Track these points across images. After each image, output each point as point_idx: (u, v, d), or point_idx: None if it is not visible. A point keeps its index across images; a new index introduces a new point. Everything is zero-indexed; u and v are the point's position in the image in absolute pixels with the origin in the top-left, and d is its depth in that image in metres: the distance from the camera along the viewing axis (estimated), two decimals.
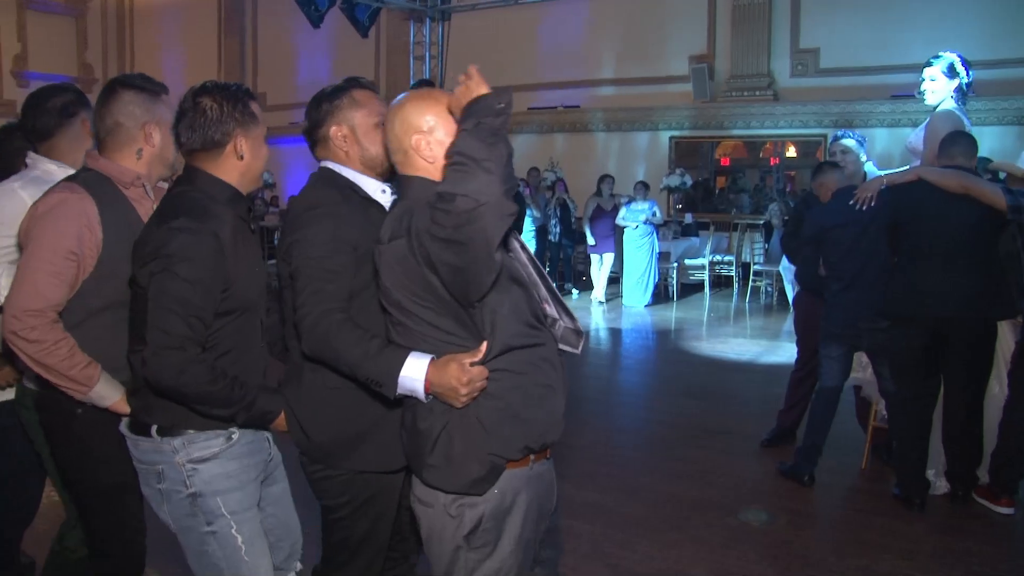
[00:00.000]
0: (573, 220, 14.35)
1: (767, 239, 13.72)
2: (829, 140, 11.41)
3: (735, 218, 15.21)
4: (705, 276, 14.20)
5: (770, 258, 13.36)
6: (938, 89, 5.41)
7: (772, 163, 15.77)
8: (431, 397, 2.22)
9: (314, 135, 2.66)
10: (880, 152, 12.38)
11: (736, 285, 14.40)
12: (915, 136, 5.60)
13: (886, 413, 5.32)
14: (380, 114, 2.60)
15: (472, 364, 2.16)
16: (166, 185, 2.81)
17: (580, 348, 2.48)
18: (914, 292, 4.78)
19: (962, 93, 5.38)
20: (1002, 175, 5.31)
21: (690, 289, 14.52)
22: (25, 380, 2.92)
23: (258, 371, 2.60)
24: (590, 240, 13.40)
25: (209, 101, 2.45)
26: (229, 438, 2.52)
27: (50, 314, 2.50)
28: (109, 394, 2.59)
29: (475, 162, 2.00)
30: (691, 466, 5.69)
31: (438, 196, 2.04)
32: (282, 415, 2.55)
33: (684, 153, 16.10)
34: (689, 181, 14.94)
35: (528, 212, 12.71)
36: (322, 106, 2.64)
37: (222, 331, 2.45)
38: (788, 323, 7.98)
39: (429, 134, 2.28)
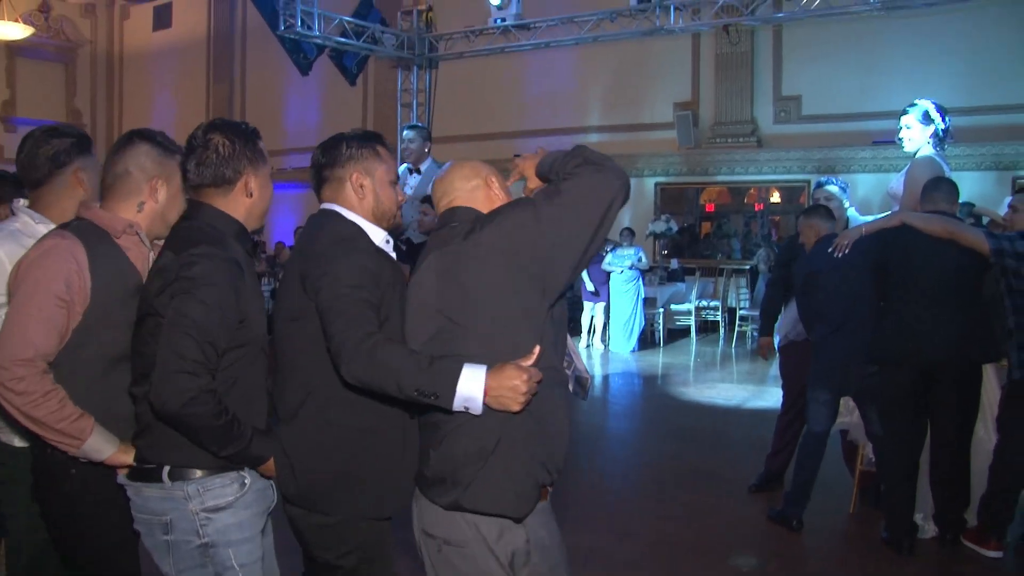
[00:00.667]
0: None
1: (753, 284, 13.80)
2: (812, 186, 11.55)
3: (721, 263, 15.30)
4: (691, 321, 14.24)
5: (755, 303, 13.43)
6: (914, 136, 5.50)
7: (757, 208, 15.92)
8: (485, 407, 2.18)
9: (328, 174, 2.61)
10: (862, 198, 12.51)
11: (722, 330, 14.44)
12: (896, 182, 5.68)
13: (873, 457, 5.33)
14: (396, 173, 2.67)
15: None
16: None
17: (586, 397, 2.56)
18: (901, 335, 4.82)
19: (939, 139, 5.46)
20: (985, 219, 5.38)
21: (676, 334, 14.55)
22: (12, 436, 2.81)
23: (260, 411, 2.54)
24: (589, 287, 13.39)
25: (220, 138, 2.46)
26: (243, 484, 2.45)
27: (40, 364, 2.39)
28: (103, 447, 2.46)
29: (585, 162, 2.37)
30: (681, 509, 5.68)
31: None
32: (272, 462, 2.46)
33: (669, 199, 16.24)
34: (675, 227, 15.05)
35: None
36: (345, 149, 2.60)
37: (233, 365, 2.40)
38: (774, 368, 8.00)
39: (489, 187, 2.58)
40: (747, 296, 14.19)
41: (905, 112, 5.52)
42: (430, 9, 13.11)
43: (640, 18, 11.07)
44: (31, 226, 2.83)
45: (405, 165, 7.71)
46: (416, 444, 2.49)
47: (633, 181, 16.40)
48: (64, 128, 3.02)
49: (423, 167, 7.52)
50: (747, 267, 14.55)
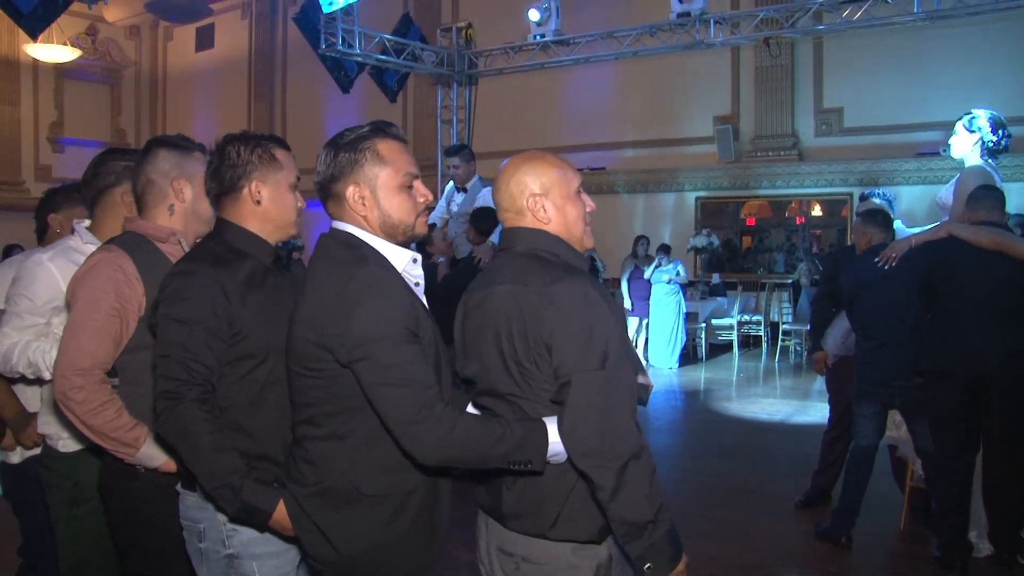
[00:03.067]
0: (601, 281, 14.37)
1: (795, 298, 13.65)
2: (855, 198, 11.42)
3: (762, 278, 15.18)
4: (734, 336, 14.13)
5: (798, 318, 13.29)
6: (959, 143, 5.44)
7: (798, 222, 15.77)
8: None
9: (327, 189, 2.31)
10: (906, 210, 12.33)
11: (765, 345, 14.31)
12: (945, 192, 5.60)
13: (923, 473, 5.24)
14: (408, 173, 2.30)
15: None
16: None
17: (645, 404, 2.49)
18: (950, 349, 4.73)
19: (988, 149, 5.38)
20: None
21: (718, 349, 14.44)
22: (56, 441, 2.93)
23: (275, 436, 2.39)
24: (627, 303, 13.36)
25: (230, 147, 2.45)
26: None
27: (97, 373, 2.50)
28: (156, 454, 2.55)
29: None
30: (729, 528, 5.61)
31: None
32: (284, 516, 2.24)
33: (710, 213, 16.14)
34: (716, 241, 14.95)
35: None
36: (339, 156, 2.28)
37: (236, 383, 2.33)
38: (819, 383, 7.92)
39: (544, 196, 2.30)
40: (789, 310, 14.05)
41: (960, 120, 5.47)
42: (470, 26, 13.19)
43: (680, 32, 11.04)
44: (81, 245, 2.97)
45: (451, 184, 7.76)
46: (447, 495, 2.36)
47: (673, 196, 16.55)
48: (126, 151, 3.13)
49: (469, 184, 7.55)
50: (789, 281, 14.41)
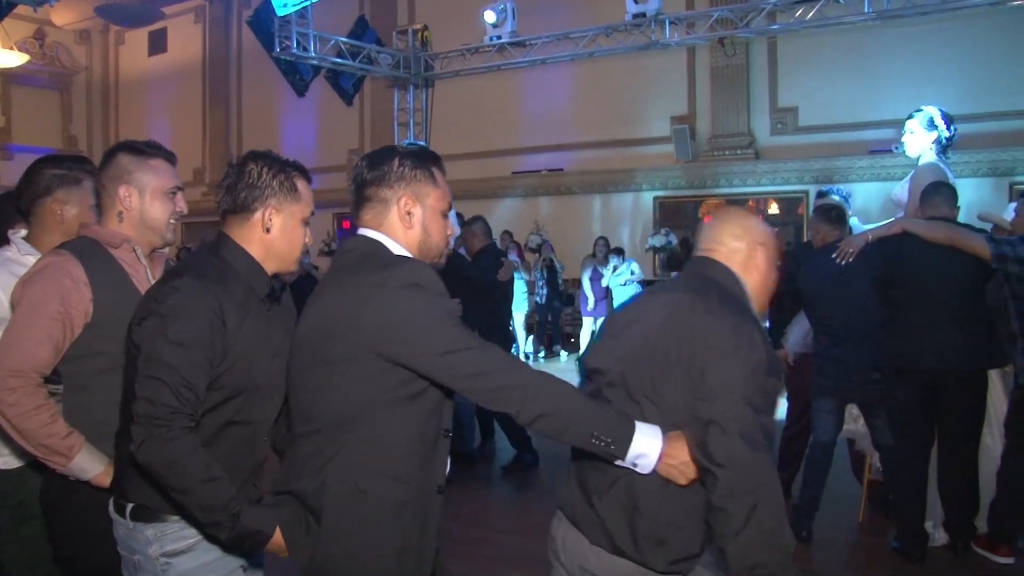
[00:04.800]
0: (560, 282, 14.39)
1: None
2: (811, 196, 11.54)
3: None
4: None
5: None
6: (916, 141, 5.50)
7: None
8: (652, 471, 2.14)
9: (370, 192, 2.30)
10: (860, 207, 12.50)
11: None
12: (900, 189, 5.67)
13: (881, 466, 5.30)
14: (450, 203, 2.37)
15: None
16: (165, 252, 2.79)
17: None
18: (906, 344, 4.80)
19: (942, 146, 5.46)
20: (989, 226, 5.37)
21: None
22: (15, 457, 2.78)
23: (245, 467, 2.37)
24: (591, 303, 13.41)
25: (253, 165, 2.33)
26: None
27: (34, 377, 2.42)
28: (91, 466, 2.44)
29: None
30: None
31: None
32: (279, 536, 2.19)
33: (668, 213, 16.23)
34: (674, 240, 15.03)
35: (518, 275, 12.75)
36: (397, 164, 2.29)
37: (211, 411, 2.24)
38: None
39: (764, 249, 2.44)
40: None
41: (910, 117, 5.52)
42: (425, 28, 13.15)
43: (635, 33, 11.09)
44: (19, 256, 2.87)
45: None
46: (437, 513, 2.30)
47: (631, 196, 16.59)
48: (61, 158, 3.03)
49: None
50: None
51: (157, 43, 23.91)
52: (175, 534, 2.25)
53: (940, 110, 5.46)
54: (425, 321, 2.10)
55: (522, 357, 13.74)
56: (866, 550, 5.21)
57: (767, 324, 6.25)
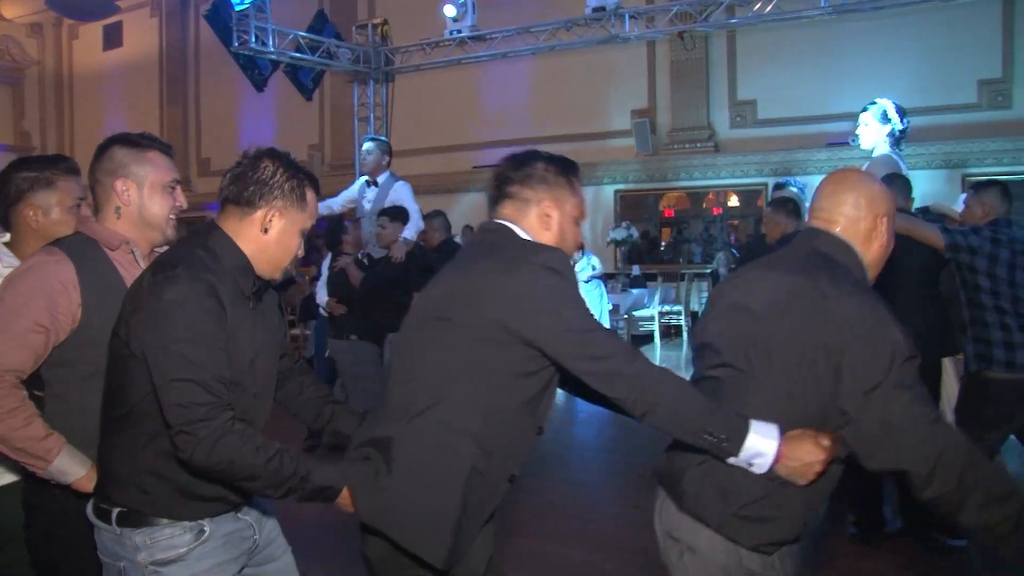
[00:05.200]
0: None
1: (714, 287, 13.86)
2: (770, 188, 11.66)
3: (681, 268, 15.40)
4: (655, 327, 14.29)
5: None
6: (871, 134, 5.57)
7: (715, 212, 16.03)
8: (769, 470, 2.13)
9: (513, 189, 2.42)
10: None
11: (686, 335, 14.51)
12: None
13: None
14: (584, 211, 2.51)
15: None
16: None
17: None
18: None
19: (896, 139, 5.54)
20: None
21: (640, 340, 14.58)
22: None
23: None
24: None
25: (268, 162, 2.27)
26: (200, 533, 2.21)
27: (9, 378, 2.30)
28: (72, 469, 2.35)
29: None
30: (616, 511, 5.70)
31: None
32: (346, 492, 2.23)
33: (629, 206, 16.30)
34: (635, 233, 15.12)
35: None
36: (542, 168, 2.42)
37: None
38: None
39: (887, 220, 2.37)
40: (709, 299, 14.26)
41: (864, 110, 5.60)
42: (385, 22, 13.10)
43: (595, 27, 11.12)
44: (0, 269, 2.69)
45: (363, 178, 7.70)
46: (498, 500, 2.38)
47: (592, 189, 16.64)
48: (32, 160, 2.87)
49: (380, 180, 7.51)
50: (708, 271, 14.63)
51: (112, 37, 23.53)
52: (165, 542, 2.19)
53: (894, 103, 5.54)
54: (560, 300, 2.20)
55: None
56: (823, 536, 5.26)
57: None
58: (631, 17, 10.76)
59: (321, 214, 8.66)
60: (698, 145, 15.63)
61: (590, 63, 15.57)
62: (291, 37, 11.87)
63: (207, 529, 2.24)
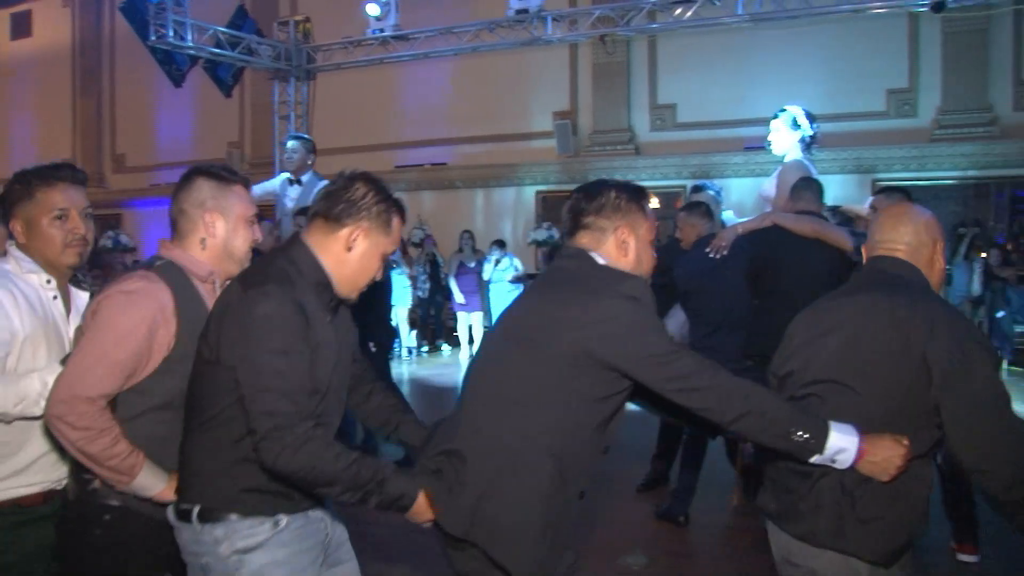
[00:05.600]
0: (443, 276, 14.41)
1: None
2: (688, 191, 11.87)
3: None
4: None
5: None
6: (783, 140, 5.71)
7: None
8: (851, 467, 2.27)
9: (588, 220, 2.50)
10: (736, 202, 12.92)
11: None
12: (768, 185, 5.89)
13: (753, 451, 5.50)
14: (655, 233, 2.60)
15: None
16: None
17: None
18: (773, 332, 4.97)
19: (806, 144, 5.68)
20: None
21: None
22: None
23: None
24: (459, 299, 13.44)
25: (362, 184, 2.37)
26: (276, 524, 2.31)
27: (101, 403, 2.32)
28: (152, 484, 2.39)
29: None
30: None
31: None
32: (423, 500, 2.31)
33: (550, 207, 16.40)
34: (556, 234, 15.21)
35: (400, 270, 12.70)
36: (613, 197, 2.51)
37: None
38: None
39: (942, 245, 2.58)
40: None
41: (775, 117, 5.73)
42: (307, 20, 13.01)
43: (518, 29, 11.20)
44: (20, 275, 2.62)
45: (285, 175, 7.63)
46: (574, 514, 2.48)
47: (514, 190, 16.70)
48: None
49: (304, 179, 7.45)
50: None
51: (20, 26, 22.74)
52: (245, 531, 2.28)
53: (803, 110, 5.69)
54: (643, 328, 2.31)
55: (404, 352, 13.72)
56: (741, 532, 5.39)
57: None
58: (553, 20, 10.87)
59: None
60: (618, 147, 15.84)
61: (512, 65, 15.65)
62: (210, 32, 11.70)
63: (283, 520, 2.32)
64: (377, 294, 7.41)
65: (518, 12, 10.79)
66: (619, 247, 2.49)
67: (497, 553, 2.30)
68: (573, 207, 2.54)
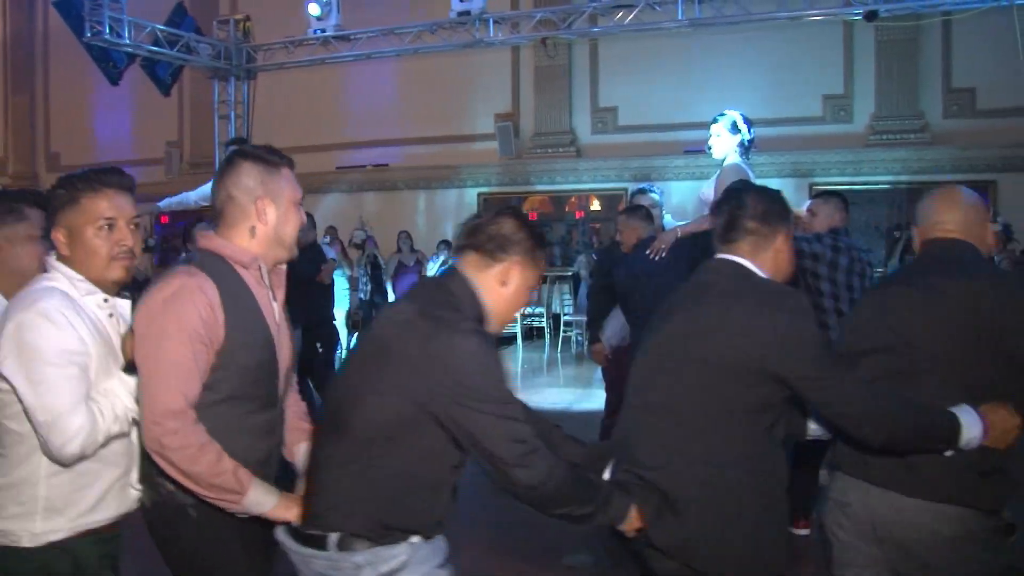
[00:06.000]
0: (384, 278, 14.34)
1: (575, 290, 14.15)
2: (629, 193, 11.98)
3: (544, 271, 15.58)
4: (517, 328, 14.46)
5: (579, 309, 13.78)
6: (723, 144, 5.79)
7: (577, 216, 16.32)
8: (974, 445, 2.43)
9: (753, 227, 2.58)
10: (676, 204, 13.07)
11: (547, 336, 14.73)
12: (707, 188, 5.96)
13: None
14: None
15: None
16: (284, 268, 2.57)
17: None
18: None
19: (745, 148, 5.77)
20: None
21: (502, 342, 14.72)
22: (20, 537, 2.35)
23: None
24: (393, 299, 13.38)
25: (511, 220, 2.43)
26: (411, 544, 2.29)
27: (190, 413, 2.23)
28: (266, 499, 2.32)
29: None
30: (515, 515, 5.71)
31: None
32: (635, 513, 2.40)
33: (492, 209, 16.38)
34: None
35: (340, 272, 12.62)
36: (781, 209, 2.63)
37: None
38: (599, 371, 8.24)
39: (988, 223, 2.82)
40: (570, 302, 14.54)
41: (715, 121, 5.80)
42: (247, 19, 12.85)
43: (460, 30, 11.20)
44: (79, 298, 2.41)
45: None
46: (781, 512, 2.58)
47: (456, 192, 16.72)
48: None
49: None
50: (569, 273, 14.91)
51: None
52: (386, 553, 2.25)
53: (741, 114, 5.78)
54: (815, 342, 2.41)
55: (345, 354, 13.61)
56: None
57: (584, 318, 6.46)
58: (495, 22, 10.89)
59: (176, 208, 8.46)
60: (560, 149, 15.93)
61: (455, 66, 15.65)
62: (148, 30, 11.51)
63: (415, 540, 2.30)
64: (322, 297, 7.41)
65: (460, 14, 10.79)
66: (776, 256, 2.61)
67: (707, 567, 2.43)
68: (735, 209, 2.64)
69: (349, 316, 13.79)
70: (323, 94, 16.83)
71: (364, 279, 13.89)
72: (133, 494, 2.49)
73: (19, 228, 2.64)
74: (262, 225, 2.41)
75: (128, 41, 11.06)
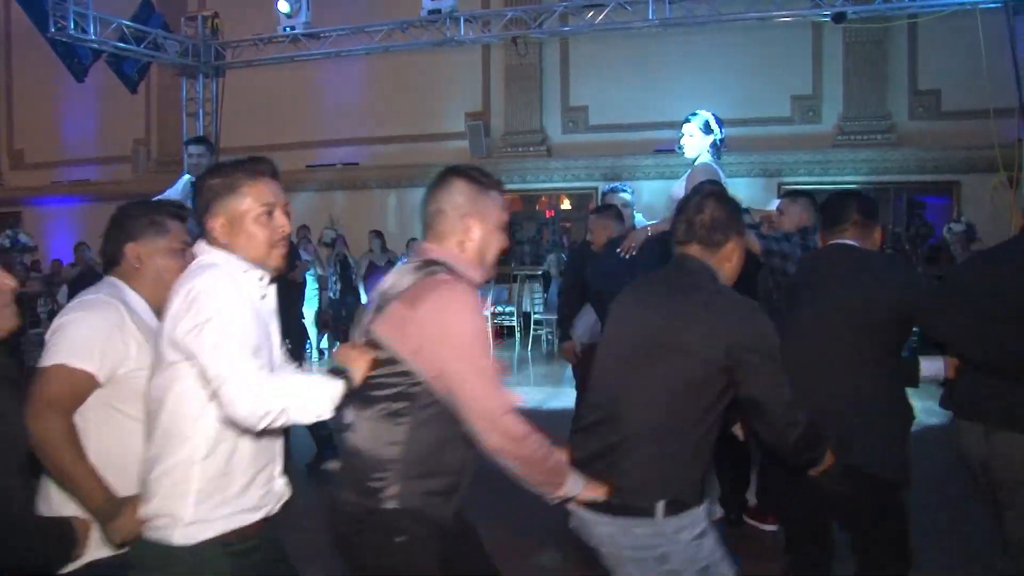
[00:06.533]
0: (353, 277, 14.29)
1: (546, 289, 14.18)
2: (600, 192, 12.02)
3: (514, 270, 15.63)
4: (488, 327, 14.42)
5: (549, 307, 13.81)
6: (694, 144, 5.82)
7: (548, 215, 16.37)
8: None
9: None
10: (646, 204, 13.13)
11: (518, 335, 14.75)
12: (678, 187, 5.98)
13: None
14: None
15: None
16: None
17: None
18: None
19: (716, 148, 5.81)
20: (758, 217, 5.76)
21: None
22: (197, 526, 2.28)
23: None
24: (364, 299, 13.31)
25: (714, 205, 2.78)
26: (702, 509, 2.68)
27: (516, 410, 2.39)
28: (576, 483, 2.56)
29: None
30: (484, 512, 5.73)
31: None
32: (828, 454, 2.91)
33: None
34: None
35: (311, 272, 12.56)
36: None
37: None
38: (569, 369, 8.25)
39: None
40: (540, 300, 14.56)
41: (687, 120, 5.82)
42: (216, 15, 12.72)
43: (431, 29, 11.16)
44: (238, 275, 2.39)
45: (188, 177, 7.50)
46: None
47: (426, 191, 16.75)
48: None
49: None
50: (539, 272, 14.94)
51: None
52: (696, 518, 2.63)
53: (712, 114, 5.81)
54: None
55: (315, 353, 13.58)
56: None
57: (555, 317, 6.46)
58: (466, 21, 10.86)
59: None
60: (531, 149, 15.95)
61: (425, 65, 15.62)
62: (114, 25, 11.35)
63: (703, 507, 2.70)
64: (292, 296, 7.36)
65: (431, 12, 10.76)
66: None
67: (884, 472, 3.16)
68: (851, 206, 3.47)
69: (319, 315, 13.75)
70: (293, 92, 16.74)
71: (334, 278, 13.85)
72: (278, 486, 2.53)
73: (160, 242, 2.68)
74: (469, 241, 2.57)
75: (94, 37, 10.91)
